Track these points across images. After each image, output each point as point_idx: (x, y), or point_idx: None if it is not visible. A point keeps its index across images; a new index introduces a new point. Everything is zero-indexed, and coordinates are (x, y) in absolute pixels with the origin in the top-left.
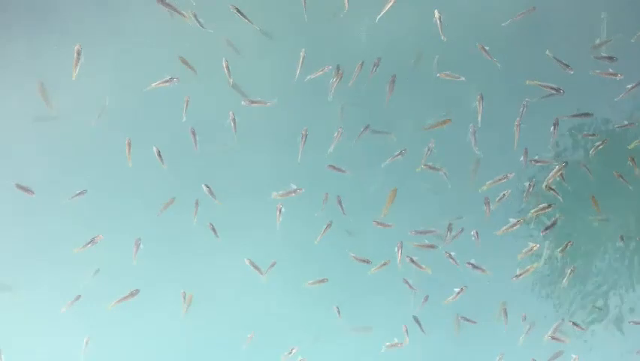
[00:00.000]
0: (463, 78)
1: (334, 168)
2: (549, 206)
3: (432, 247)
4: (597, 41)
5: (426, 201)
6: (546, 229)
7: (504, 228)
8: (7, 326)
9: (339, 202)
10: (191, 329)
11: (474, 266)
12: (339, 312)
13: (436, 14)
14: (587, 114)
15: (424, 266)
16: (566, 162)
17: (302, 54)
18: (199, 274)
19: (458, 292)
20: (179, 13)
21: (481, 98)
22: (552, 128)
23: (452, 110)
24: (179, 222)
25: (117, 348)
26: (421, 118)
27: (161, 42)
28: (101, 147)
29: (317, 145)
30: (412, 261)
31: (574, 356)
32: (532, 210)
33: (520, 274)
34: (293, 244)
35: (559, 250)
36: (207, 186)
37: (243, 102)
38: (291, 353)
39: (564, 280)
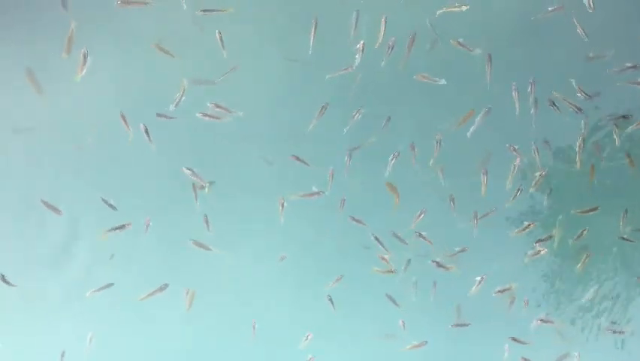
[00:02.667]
0: (442, 81)
1: (297, 158)
2: (595, 208)
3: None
4: (590, 54)
5: (429, 200)
6: (540, 240)
7: (516, 230)
8: (8, 326)
9: (349, 155)
10: (192, 326)
11: (438, 264)
12: (332, 303)
13: (464, 7)
14: (625, 116)
15: (388, 252)
16: (583, 140)
17: (314, 22)
18: (200, 272)
19: (479, 282)
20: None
21: (489, 58)
22: (550, 105)
23: (454, 106)
24: (179, 221)
25: (118, 346)
26: (425, 116)
27: (161, 42)
28: (101, 146)
29: (319, 145)
30: (377, 240)
31: (575, 353)
32: (578, 211)
33: (503, 290)
34: (295, 241)
35: (574, 238)
36: (189, 169)
37: (209, 104)
38: (307, 339)
39: (579, 266)
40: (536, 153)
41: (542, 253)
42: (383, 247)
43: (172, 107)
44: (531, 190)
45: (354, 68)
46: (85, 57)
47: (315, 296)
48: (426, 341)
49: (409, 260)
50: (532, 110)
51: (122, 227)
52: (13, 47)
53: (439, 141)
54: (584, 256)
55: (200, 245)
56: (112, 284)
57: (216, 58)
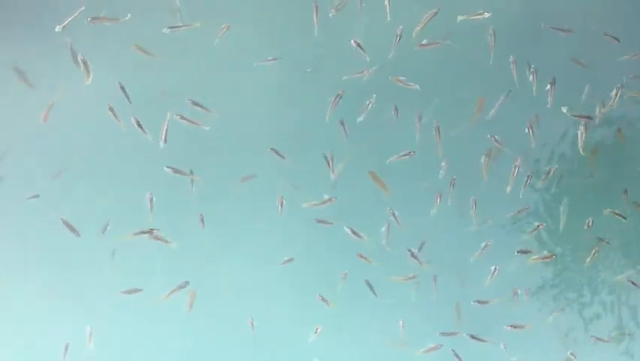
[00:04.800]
0: (416, 86)
1: (276, 152)
2: (625, 217)
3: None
4: (583, 61)
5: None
6: (522, 251)
7: (529, 230)
8: (10, 324)
9: (346, 125)
10: (192, 326)
11: (412, 255)
12: (325, 301)
13: (486, 14)
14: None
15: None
16: (590, 117)
17: (315, 4)
18: (200, 273)
19: (493, 273)
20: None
21: (494, 33)
22: (548, 86)
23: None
24: (180, 220)
25: (119, 345)
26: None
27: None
28: (99, 147)
29: (318, 147)
30: (353, 232)
31: (569, 352)
32: (608, 210)
33: (484, 302)
34: (295, 241)
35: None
36: (170, 168)
37: (187, 101)
38: (316, 332)
39: (588, 260)
40: (530, 130)
41: (552, 258)
42: (356, 233)
43: (162, 144)
44: (539, 185)
45: (369, 71)
46: (85, 63)
47: (316, 296)
48: (441, 345)
49: (424, 243)
50: (534, 88)
51: (150, 232)
52: (11, 47)
53: (437, 129)
54: (593, 251)
55: (157, 237)
56: (140, 290)
57: (214, 58)
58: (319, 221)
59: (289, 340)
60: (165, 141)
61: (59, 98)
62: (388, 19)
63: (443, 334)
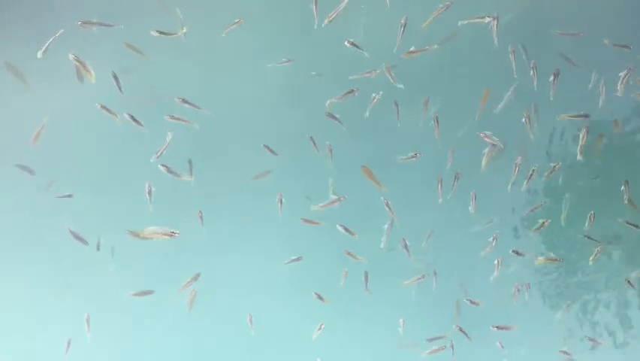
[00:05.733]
0: (401, 86)
1: (268, 148)
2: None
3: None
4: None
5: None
6: (516, 251)
7: (534, 228)
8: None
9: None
10: (193, 326)
11: (405, 245)
12: (321, 298)
13: (487, 19)
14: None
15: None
16: (587, 115)
17: (314, 6)
18: (200, 271)
19: (497, 265)
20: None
21: (497, 19)
22: (552, 78)
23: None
24: (180, 220)
25: (120, 345)
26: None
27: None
28: (99, 145)
29: (320, 146)
30: (345, 229)
31: (564, 349)
32: (622, 220)
33: (473, 302)
34: (295, 241)
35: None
36: (164, 166)
37: (176, 99)
38: (320, 328)
39: (590, 259)
40: (528, 120)
41: (559, 261)
42: (348, 230)
43: (154, 158)
44: (543, 181)
45: (377, 72)
46: (80, 61)
47: (312, 294)
48: (444, 346)
49: (431, 232)
50: (535, 83)
51: (171, 234)
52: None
53: (436, 119)
54: (595, 251)
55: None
56: (152, 291)
57: (213, 57)
58: (307, 221)
59: (290, 339)
60: (158, 157)
61: (56, 99)
62: (388, 6)
63: (430, 340)
